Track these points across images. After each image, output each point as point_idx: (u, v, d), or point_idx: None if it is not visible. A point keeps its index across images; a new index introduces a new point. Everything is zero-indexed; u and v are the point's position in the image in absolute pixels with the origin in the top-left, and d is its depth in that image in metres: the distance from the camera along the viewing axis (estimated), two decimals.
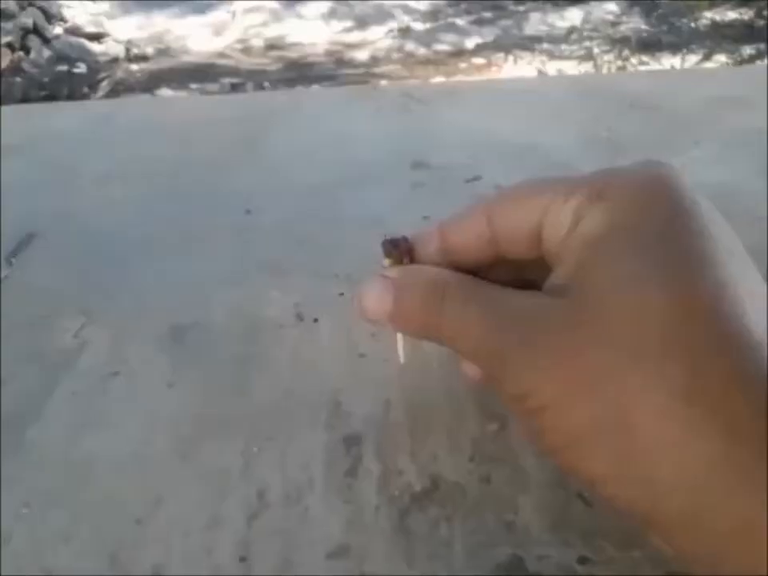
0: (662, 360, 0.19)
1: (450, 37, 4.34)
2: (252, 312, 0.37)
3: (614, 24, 4.31)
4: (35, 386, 0.33)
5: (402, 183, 0.50)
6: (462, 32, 4.39)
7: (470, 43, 4.23)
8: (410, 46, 4.27)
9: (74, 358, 0.35)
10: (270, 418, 0.31)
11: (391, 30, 4.46)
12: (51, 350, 0.36)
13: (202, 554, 0.26)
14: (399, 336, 0.29)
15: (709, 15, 4.15)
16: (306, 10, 4.67)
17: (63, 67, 4.01)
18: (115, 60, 4.16)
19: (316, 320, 0.37)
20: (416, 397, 0.32)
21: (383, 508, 0.27)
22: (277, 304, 0.38)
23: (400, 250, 0.27)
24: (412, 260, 0.27)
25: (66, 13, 4.41)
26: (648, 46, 3.86)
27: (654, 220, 0.22)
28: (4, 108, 0.63)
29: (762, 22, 4.00)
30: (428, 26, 4.52)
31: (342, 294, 0.38)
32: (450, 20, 4.57)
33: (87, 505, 0.28)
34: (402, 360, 0.29)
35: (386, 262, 0.27)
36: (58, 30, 4.29)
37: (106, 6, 4.65)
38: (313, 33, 4.42)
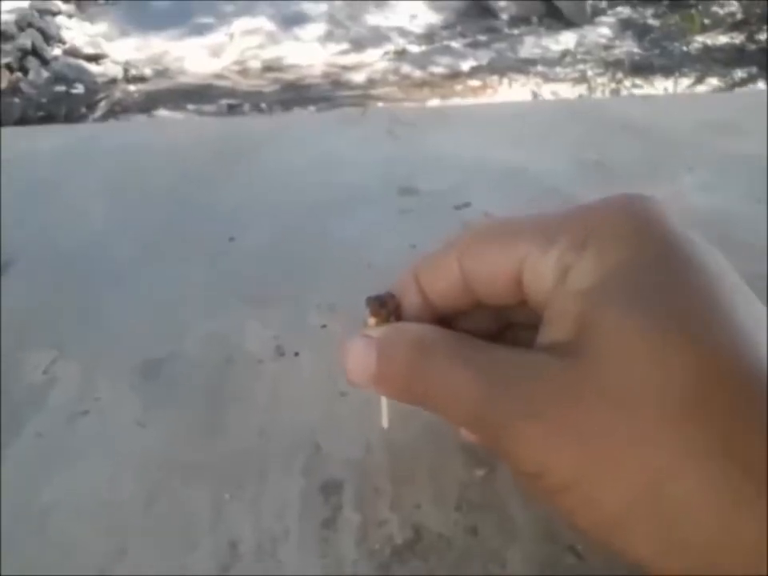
0: (693, 424, 0.18)
1: (446, 59, 4.37)
2: (230, 345, 0.36)
3: (607, 47, 4.35)
4: (4, 424, 0.32)
5: (389, 210, 0.49)
6: (458, 54, 4.43)
7: (466, 66, 4.26)
8: (405, 68, 4.30)
9: (43, 395, 0.33)
10: (244, 461, 0.29)
11: (387, 53, 4.49)
12: (19, 386, 0.34)
13: None
14: (383, 399, 0.27)
15: (700, 39, 4.20)
16: (303, 32, 4.71)
17: (61, 88, 4.03)
18: (113, 81, 4.18)
19: (297, 354, 0.35)
20: (399, 439, 0.30)
21: (362, 562, 0.25)
22: (256, 337, 0.36)
23: (387, 309, 0.25)
24: (398, 317, 0.25)
25: (65, 34, 4.44)
26: (641, 69, 3.89)
27: (651, 265, 0.20)
28: None
29: (753, 47, 4.04)
30: (423, 48, 4.56)
31: (324, 325, 0.37)
32: (446, 43, 4.61)
33: (46, 554, 0.26)
34: (385, 425, 0.27)
35: (371, 321, 0.25)
36: (56, 51, 4.31)
37: (104, 28, 4.68)
38: (310, 55, 4.45)
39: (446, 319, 0.26)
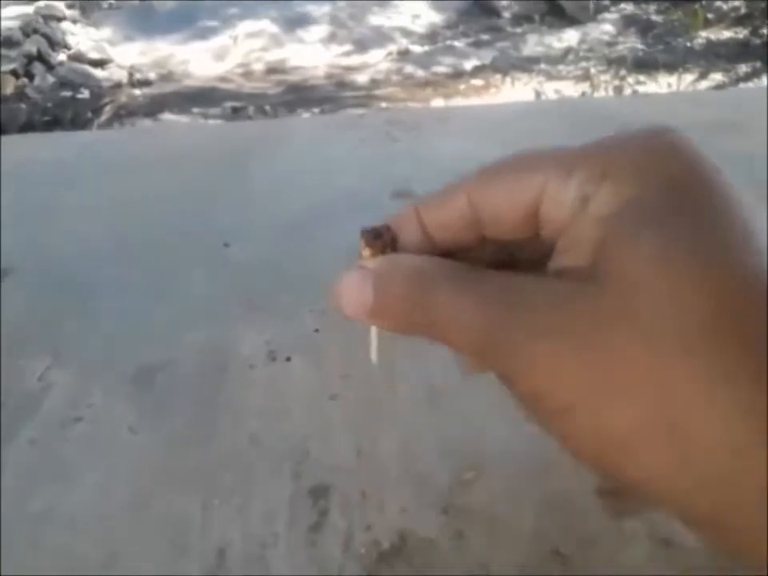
0: (709, 351, 0.17)
1: (449, 59, 4.37)
2: (223, 351, 0.36)
3: (610, 44, 4.34)
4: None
5: (382, 214, 0.49)
6: (461, 54, 4.42)
7: (469, 65, 4.26)
8: (409, 68, 4.30)
9: (37, 402, 0.34)
10: (234, 467, 0.30)
11: (390, 53, 4.49)
12: (14, 393, 0.34)
13: None
14: (373, 332, 0.26)
15: (704, 34, 4.18)
16: (306, 34, 4.72)
17: (67, 93, 4.05)
18: (118, 85, 4.20)
19: (288, 359, 0.35)
20: (388, 443, 0.30)
21: (348, 566, 0.25)
22: (249, 342, 0.37)
23: (383, 240, 0.24)
24: (394, 250, 0.24)
25: (70, 40, 4.46)
26: (644, 65, 3.88)
27: (670, 193, 0.20)
28: None
29: (757, 41, 4.02)
30: (426, 48, 4.56)
31: (317, 330, 0.37)
32: (449, 42, 4.61)
33: (38, 561, 0.26)
34: (374, 359, 0.26)
35: (366, 252, 0.24)
36: (61, 56, 4.34)
37: (108, 33, 4.71)
38: (313, 56, 4.46)
39: (444, 255, 0.25)
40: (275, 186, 0.54)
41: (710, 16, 4.29)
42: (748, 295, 0.18)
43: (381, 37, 4.66)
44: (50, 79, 4.10)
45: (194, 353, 0.36)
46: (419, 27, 4.78)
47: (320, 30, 4.72)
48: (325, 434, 0.31)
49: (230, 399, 0.33)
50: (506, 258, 0.26)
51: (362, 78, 4.19)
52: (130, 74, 4.26)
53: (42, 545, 0.27)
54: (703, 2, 4.38)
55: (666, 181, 0.20)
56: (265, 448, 0.30)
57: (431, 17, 4.88)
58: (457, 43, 4.55)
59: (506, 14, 4.78)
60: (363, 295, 0.23)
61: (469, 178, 0.24)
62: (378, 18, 4.84)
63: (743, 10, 4.34)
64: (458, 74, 4.15)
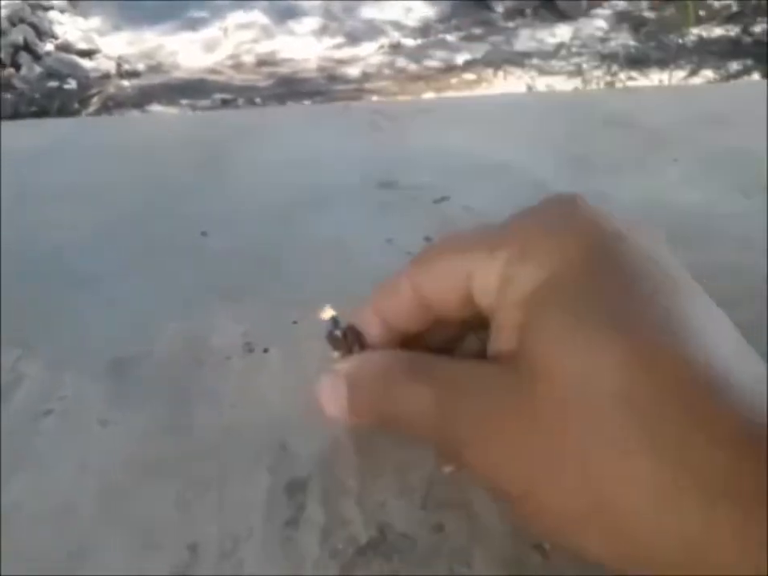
0: (622, 420, 0.18)
1: (441, 53, 4.36)
2: (199, 342, 0.35)
3: (602, 40, 4.34)
4: None
5: (367, 204, 0.48)
6: (453, 48, 4.42)
7: (461, 59, 4.25)
8: (401, 61, 4.29)
9: (6, 394, 0.33)
10: (208, 460, 0.29)
11: (382, 46, 4.48)
12: None
13: None
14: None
15: (696, 32, 4.19)
16: (297, 26, 4.69)
17: (54, 83, 4.01)
18: (106, 76, 4.16)
19: (266, 350, 0.35)
20: (367, 435, 0.29)
21: (323, 562, 0.25)
22: (225, 333, 0.36)
23: (348, 342, 0.27)
24: (362, 346, 0.27)
25: (57, 29, 4.42)
26: (636, 61, 3.89)
27: (582, 271, 0.21)
28: None
29: (748, 39, 4.04)
30: (419, 42, 4.54)
31: (295, 322, 0.36)
32: (441, 36, 4.60)
33: (13, 553, 0.25)
34: None
35: (336, 355, 0.27)
36: (48, 46, 4.29)
37: (97, 23, 4.66)
38: (304, 49, 4.44)
39: (410, 339, 0.27)
40: (257, 175, 0.53)
41: (701, 13, 4.30)
42: (656, 362, 0.18)
43: (373, 30, 4.63)
44: (37, 69, 4.06)
45: (169, 343, 0.35)
46: (412, 21, 4.77)
47: (311, 22, 4.69)
48: (302, 427, 0.30)
49: (206, 391, 0.32)
50: (468, 327, 0.27)
51: (353, 71, 4.17)
52: (118, 65, 4.23)
53: (10, 539, 0.26)
54: (691, 1, 4.39)
55: (579, 256, 0.21)
56: (241, 441, 0.30)
57: (424, 10, 4.87)
58: (449, 37, 4.54)
59: (499, 9, 4.77)
60: (339, 398, 0.25)
61: (410, 265, 0.26)
62: (370, 11, 4.82)
63: (734, 8, 4.35)
64: (450, 68, 4.15)
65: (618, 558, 0.18)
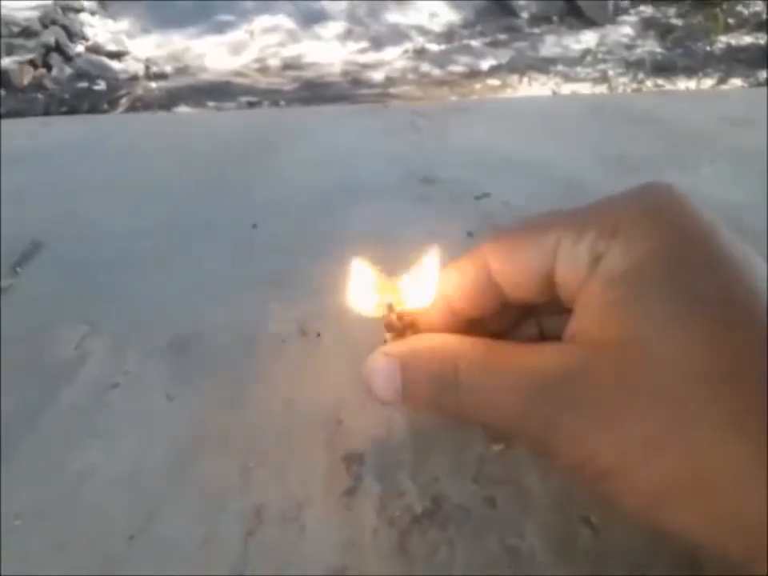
0: (721, 400, 0.18)
1: (465, 58, 4.36)
2: (253, 326, 0.37)
3: (629, 47, 4.32)
4: (34, 398, 0.33)
5: (409, 198, 0.49)
6: (477, 53, 4.42)
7: (485, 65, 4.25)
8: (425, 66, 4.30)
9: (75, 369, 0.35)
10: (269, 433, 0.30)
11: (406, 51, 4.49)
12: (52, 361, 0.35)
13: (195, 572, 0.25)
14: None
15: (724, 39, 4.16)
16: (322, 30, 4.73)
17: (84, 84, 4.08)
18: (134, 78, 4.22)
19: (319, 335, 0.36)
20: (419, 415, 0.31)
21: (382, 529, 0.26)
22: (279, 318, 0.37)
23: (403, 323, 0.25)
24: (415, 330, 0.25)
25: (88, 31, 4.49)
26: (663, 69, 3.86)
27: (676, 253, 0.20)
28: (4, 121, 0.64)
29: None
30: (443, 47, 4.55)
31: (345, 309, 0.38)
32: (465, 41, 4.60)
33: (80, 518, 0.27)
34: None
35: (388, 336, 0.26)
36: (79, 48, 4.36)
37: (126, 25, 4.73)
38: (329, 53, 4.47)
39: (469, 324, 0.26)
40: (301, 171, 0.54)
41: (730, 21, 4.27)
42: (756, 346, 0.18)
43: (397, 35, 4.66)
44: (68, 70, 4.13)
45: (222, 327, 0.37)
46: (436, 26, 4.78)
47: (336, 27, 4.72)
48: (357, 405, 0.31)
49: (262, 370, 0.34)
50: (528, 314, 0.27)
51: (377, 76, 4.19)
52: (147, 67, 4.28)
53: (82, 502, 0.28)
54: (724, 7, 4.36)
55: (678, 238, 0.20)
56: (298, 417, 0.31)
57: (449, 15, 4.88)
58: (474, 42, 4.54)
59: (524, 14, 4.77)
60: (392, 384, 0.23)
61: (485, 244, 0.25)
62: (394, 16, 4.84)
63: (764, 16, 4.31)
64: (474, 74, 4.15)
65: (705, 528, 0.18)
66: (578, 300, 0.22)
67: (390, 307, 0.26)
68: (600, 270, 0.21)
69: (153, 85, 4.17)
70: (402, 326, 0.26)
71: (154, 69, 4.31)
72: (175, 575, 0.25)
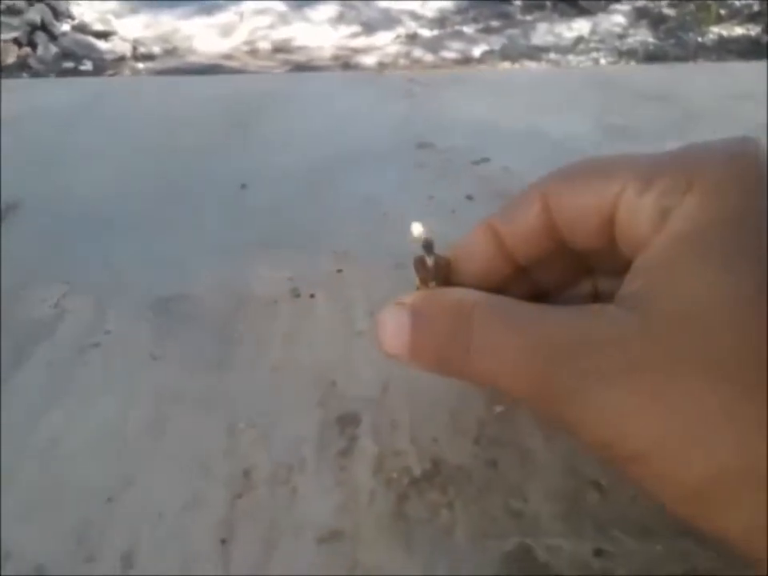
0: None
1: (457, 44, 4.33)
2: (243, 286, 0.35)
3: (621, 36, 4.30)
4: (8, 357, 0.31)
5: (405, 163, 0.48)
6: (469, 40, 4.39)
7: (477, 51, 4.23)
8: (417, 52, 4.26)
9: (52, 327, 0.33)
10: (258, 394, 0.29)
11: (398, 36, 4.45)
12: (28, 318, 0.33)
13: (179, 535, 0.23)
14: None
15: (716, 30, 4.15)
16: (313, 13, 4.67)
17: (69, 64, 4.01)
18: (122, 58, 4.16)
19: (312, 296, 0.34)
20: (417, 376, 0.29)
21: (379, 491, 0.25)
22: (270, 279, 0.36)
23: (437, 266, 0.22)
24: (447, 282, 0.23)
25: (74, 10, 4.41)
26: (655, 58, 3.86)
27: (759, 219, 0.18)
28: None
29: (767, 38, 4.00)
30: (435, 32, 4.52)
31: (340, 270, 0.36)
32: (458, 27, 4.57)
33: (54, 481, 0.25)
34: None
35: (417, 282, 0.23)
36: (65, 27, 4.29)
37: (113, 5, 4.66)
38: (320, 37, 4.42)
39: (519, 272, 0.24)
40: (292, 136, 0.52)
41: (722, 12, 4.27)
42: None
43: (389, 19, 4.61)
44: (53, 49, 4.06)
45: (210, 288, 0.35)
46: (429, 11, 4.74)
47: (328, 10, 4.67)
48: (351, 367, 0.30)
49: (252, 330, 0.32)
50: (585, 270, 0.25)
51: (369, 61, 4.15)
52: (134, 48, 4.22)
53: (57, 464, 0.26)
54: None
55: (757, 202, 0.18)
56: (289, 376, 0.29)
57: (441, 1, 4.84)
58: (466, 29, 4.51)
59: (517, 1, 4.74)
60: (400, 333, 0.21)
61: (544, 180, 0.23)
62: (386, 1, 4.79)
63: (756, 8, 4.31)
64: (466, 60, 4.12)
65: (755, 531, 0.16)
66: (636, 257, 0.20)
67: (429, 246, 0.23)
68: (666, 227, 0.19)
69: (140, 66, 4.11)
70: (425, 273, 0.23)
71: (142, 50, 4.24)
72: (156, 539, 0.23)
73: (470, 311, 0.20)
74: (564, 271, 0.25)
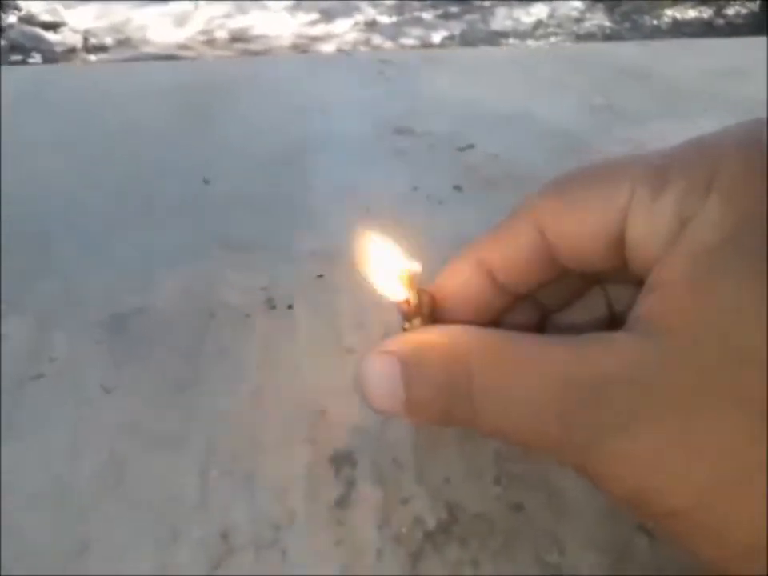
0: None
1: (417, 30, 4.28)
2: (210, 298, 0.30)
3: (578, 20, 4.31)
4: None
5: (383, 150, 0.43)
6: (429, 26, 4.34)
7: (437, 37, 4.18)
8: (376, 39, 4.20)
9: None
10: (234, 431, 0.24)
11: (357, 23, 4.39)
12: None
13: None
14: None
15: (670, 13, 4.18)
16: (270, 1, 4.57)
17: (17, 57, 3.85)
18: (72, 50, 4.01)
19: (290, 306, 0.30)
20: None
21: (388, 550, 0.20)
22: (241, 288, 0.31)
23: (420, 302, 0.20)
24: (433, 316, 0.20)
25: (20, 1, 4.24)
26: (612, 42, 3.86)
27: None
28: None
29: (720, 21, 4.05)
30: (394, 19, 4.46)
31: (320, 275, 0.32)
32: (416, 14, 4.51)
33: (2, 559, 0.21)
34: None
35: (407, 324, 0.20)
36: (11, 18, 4.11)
37: None
38: (278, 25, 4.33)
39: (518, 301, 0.21)
40: (258, 123, 0.48)
41: None
42: None
43: (348, 6, 4.53)
44: (0, 42, 3.90)
45: (175, 299, 0.30)
46: None
47: None
48: (341, 392, 0.26)
49: (223, 350, 0.28)
50: (590, 284, 0.22)
51: (328, 48, 4.07)
52: (85, 39, 4.07)
53: None
54: None
55: None
56: (269, 406, 0.25)
57: None
58: (425, 15, 4.46)
59: None
60: (392, 388, 0.18)
61: (535, 200, 0.19)
62: None
63: None
64: (426, 47, 4.07)
65: None
66: (654, 272, 0.17)
67: (410, 282, 0.20)
68: (686, 237, 0.16)
69: (92, 58, 3.96)
70: (420, 310, 0.20)
71: (93, 41, 4.09)
72: None
73: (467, 356, 0.17)
74: (568, 289, 0.22)
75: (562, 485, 0.22)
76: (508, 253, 0.20)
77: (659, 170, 0.17)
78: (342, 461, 0.23)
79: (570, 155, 0.43)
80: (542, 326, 0.23)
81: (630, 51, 0.69)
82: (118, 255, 0.33)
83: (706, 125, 0.48)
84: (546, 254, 0.19)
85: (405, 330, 0.20)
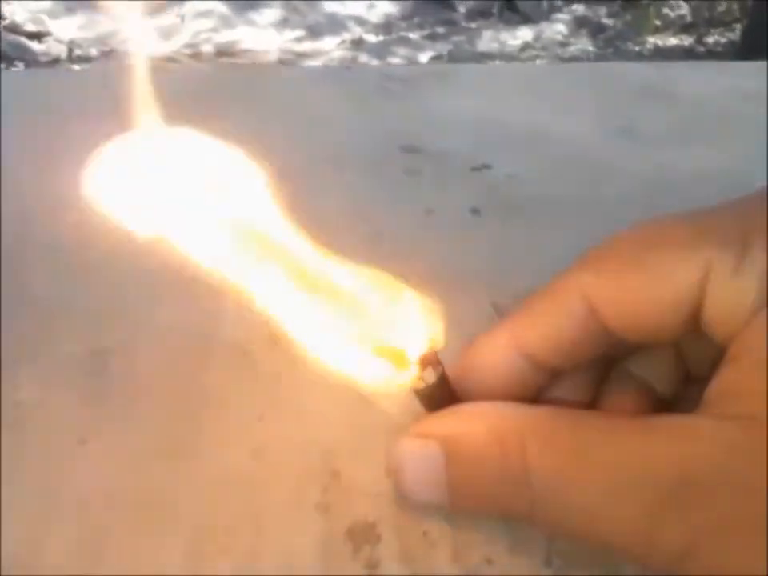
0: None
1: (403, 50, 4.31)
2: (204, 332, 0.27)
3: (562, 44, 4.36)
4: None
5: (392, 171, 0.40)
6: (416, 46, 4.37)
7: (424, 57, 4.21)
8: (363, 57, 4.22)
9: None
10: (230, 496, 0.20)
11: (344, 41, 4.40)
12: None
13: None
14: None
15: (652, 40, 4.25)
16: (258, 16, 4.58)
17: (0, 66, 3.81)
18: (56, 60, 3.97)
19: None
20: None
21: None
22: (239, 319, 0.27)
23: (442, 382, 0.18)
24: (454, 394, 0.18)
25: (5, 9, 4.19)
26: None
27: None
28: None
29: (701, 49, 4.12)
30: (381, 38, 4.48)
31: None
32: (403, 33, 4.55)
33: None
34: None
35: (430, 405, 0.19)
36: None
37: (47, 4, 4.45)
38: (264, 40, 4.33)
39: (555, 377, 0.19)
40: (255, 138, 0.44)
41: (657, 23, 4.38)
42: None
43: (335, 24, 4.55)
44: None
45: (159, 336, 0.27)
46: (374, 16, 4.70)
47: (272, 14, 4.58)
48: (358, 447, 0.22)
49: (218, 395, 0.24)
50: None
51: (315, 65, 4.08)
52: (70, 50, 4.04)
53: None
54: (652, 9, 4.46)
55: None
56: (275, 467, 0.21)
57: (386, 6, 4.80)
58: (411, 35, 4.49)
59: (462, 9, 4.75)
60: (434, 476, 0.17)
61: (582, 269, 0.17)
62: (332, 5, 4.73)
63: (689, 18, 4.44)
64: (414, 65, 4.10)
65: None
66: (734, 345, 0.15)
67: (431, 360, 0.18)
68: None
69: (76, 68, 3.93)
70: (440, 391, 0.18)
71: (78, 52, 4.06)
72: None
73: (521, 440, 0.15)
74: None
75: (623, 568, 0.19)
76: (551, 332, 0.18)
77: (738, 235, 0.16)
78: (361, 534, 0.19)
79: (592, 177, 0.41)
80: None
81: (645, 70, 0.67)
82: (99, 285, 0.30)
83: (739, 149, 0.46)
84: (597, 331, 0.17)
85: (430, 411, 0.18)
